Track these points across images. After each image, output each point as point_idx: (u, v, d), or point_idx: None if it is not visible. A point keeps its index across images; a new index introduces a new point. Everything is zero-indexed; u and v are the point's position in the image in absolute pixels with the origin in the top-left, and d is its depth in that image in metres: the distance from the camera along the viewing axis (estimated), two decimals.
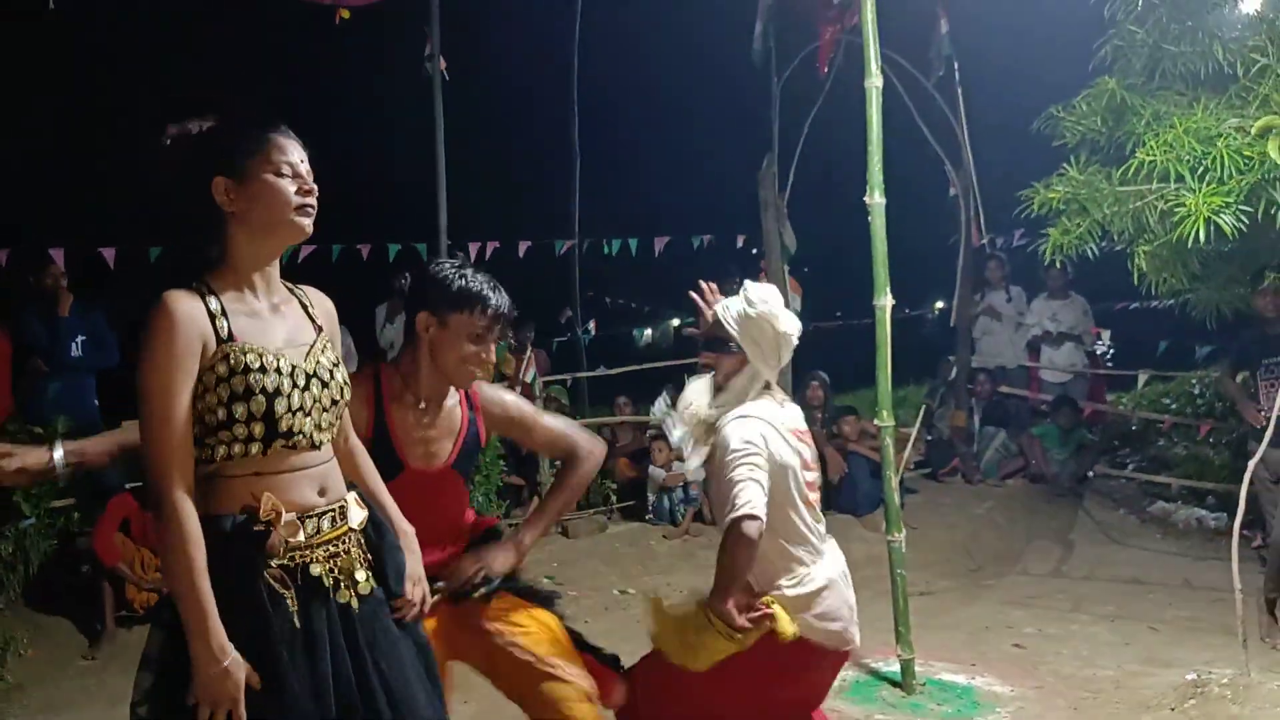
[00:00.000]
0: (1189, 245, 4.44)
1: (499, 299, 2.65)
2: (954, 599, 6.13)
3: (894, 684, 4.56)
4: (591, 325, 10.93)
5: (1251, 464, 4.33)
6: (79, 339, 6.58)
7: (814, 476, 2.94)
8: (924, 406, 9.01)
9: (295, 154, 2.01)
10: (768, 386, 2.95)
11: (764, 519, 2.64)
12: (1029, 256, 8.27)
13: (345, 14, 5.75)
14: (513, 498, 7.69)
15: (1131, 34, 5.09)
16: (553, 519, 2.81)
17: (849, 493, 7.43)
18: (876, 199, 4.38)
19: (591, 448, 2.81)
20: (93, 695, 5.08)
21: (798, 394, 8.03)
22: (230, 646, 1.84)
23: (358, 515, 2.11)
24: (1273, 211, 4.31)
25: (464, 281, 2.61)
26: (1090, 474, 8.27)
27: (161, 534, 1.85)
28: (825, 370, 8.28)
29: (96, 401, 6.75)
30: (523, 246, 8.27)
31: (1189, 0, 5.00)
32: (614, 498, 7.81)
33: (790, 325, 2.93)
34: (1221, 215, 4.25)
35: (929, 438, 8.70)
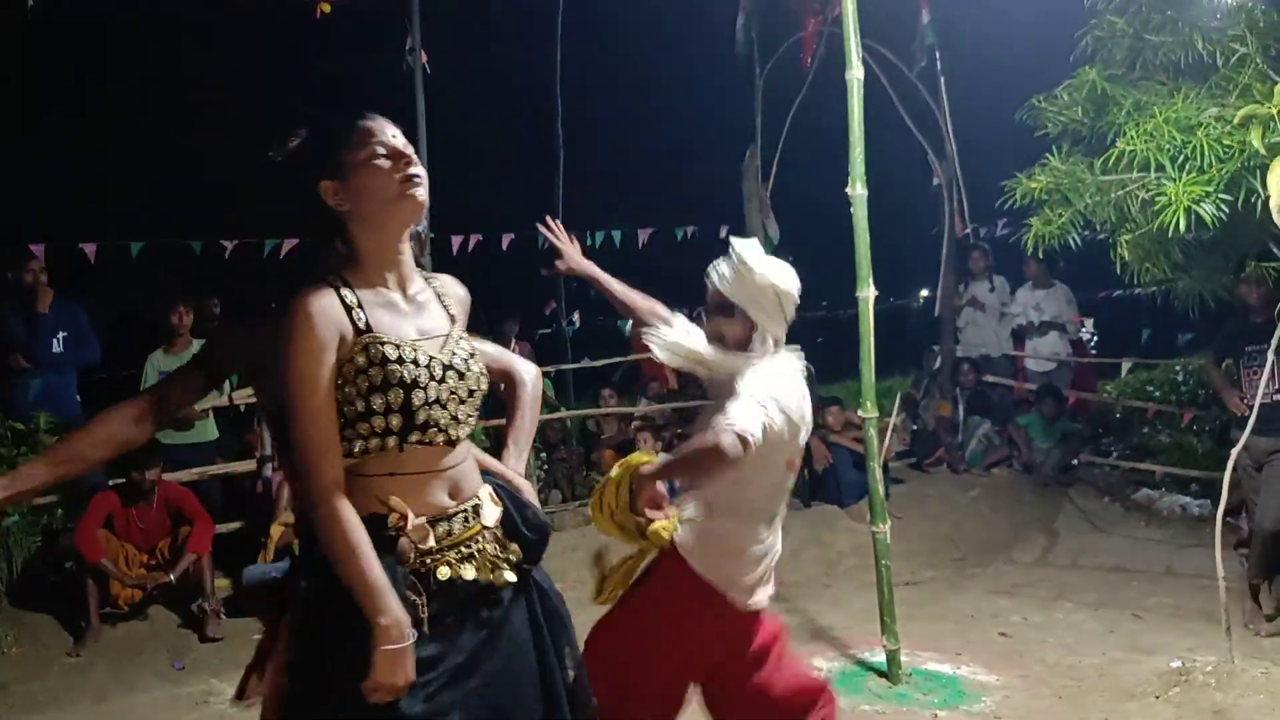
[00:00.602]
0: (1170, 234, 4.46)
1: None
2: (939, 589, 6.16)
3: (880, 674, 4.57)
4: (576, 316, 10.91)
5: (1235, 451, 4.37)
6: (60, 335, 6.53)
7: (800, 454, 2.92)
8: (900, 395, 9.05)
9: (387, 132, 1.98)
10: (779, 345, 2.91)
11: (753, 448, 2.49)
12: (1012, 246, 8.33)
13: (325, 8, 5.72)
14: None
15: (1112, 24, 5.10)
16: (529, 443, 2.68)
17: (833, 484, 7.43)
18: (858, 190, 4.38)
19: (526, 366, 2.64)
20: (78, 692, 5.07)
21: None
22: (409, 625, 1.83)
23: (492, 514, 2.07)
24: (1253, 200, 4.32)
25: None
26: (1075, 462, 8.30)
27: (324, 529, 1.83)
28: (810, 360, 8.26)
29: (79, 398, 6.71)
30: (506, 239, 8.25)
31: None
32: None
33: (788, 280, 2.87)
34: (1202, 204, 4.26)
35: (914, 428, 8.72)
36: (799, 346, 2.97)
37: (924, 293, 19.75)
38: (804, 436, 2.85)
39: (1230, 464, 4.44)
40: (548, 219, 3.24)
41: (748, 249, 2.87)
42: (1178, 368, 9.05)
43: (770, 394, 2.65)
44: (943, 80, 8.78)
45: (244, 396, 6.68)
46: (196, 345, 6.65)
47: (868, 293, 4.33)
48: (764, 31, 8.65)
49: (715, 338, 2.92)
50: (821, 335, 11.98)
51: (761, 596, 2.88)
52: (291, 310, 1.85)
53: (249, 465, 6.73)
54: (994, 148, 7.51)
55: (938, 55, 8.71)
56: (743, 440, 2.46)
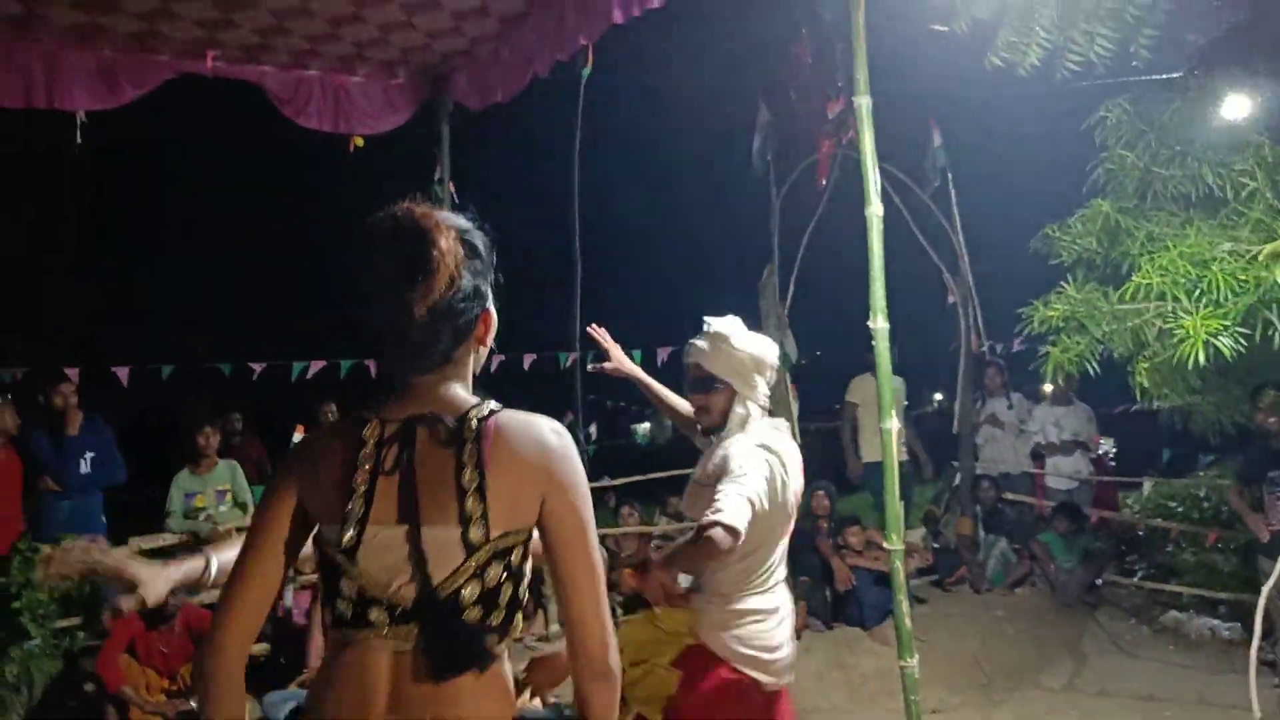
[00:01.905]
0: (1189, 365, 4.52)
1: None
2: (967, 716, 6.04)
3: None
4: (593, 429, 10.97)
5: (1266, 589, 4.34)
6: (88, 456, 6.63)
7: (794, 515, 3.03)
8: (927, 512, 9.02)
9: None
10: (766, 412, 3.02)
11: (741, 538, 2.62)
12: (1029, 362, 8.40)
13: (359, 142, 5.94)
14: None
15: (1122, 158, 5.26)
16: None
17: (855, 605, 7.36)
18: (880, 324, 4.45)
19: None
20: None
21: (803, 504, 8.05)
22: None
23: None
24: (1270, 333, 4.39)
25: None
26: (1099, 582, 8.21)
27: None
28: (826, 469, 8.30)
29: (104, 519, 6.76)
30: (528, 359, 8.37)
31: (1177, 126, 5.19)
32: (620, 610, 7.74)
33: (763, 350, 3.01)
34: (1220, 338, 4.33)
35: (935, 545, 8.66)
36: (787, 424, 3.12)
37: (938, 397, 19.86)
38: (794, 495, 2.99)
39: (1263, 599, 4.40)
40: (594, 325, 3.40)
41: (722, 323, 3.01)
42: (1200, 483, 9.01)
43: (753, 473, 2.78)
44: (955, 200, 8.98)
45: None
46: (222, 466, 6.73)
47: (892, 424, 4.36)
48: (780, 152, 8.88)
49: (701, 411, 3.07)
50: (838, 448, 11.95)
51: (788, 667, 2.98)
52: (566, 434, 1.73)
53: None
54: (1008, 265, 7.65)
55: (950, 176, 8.92)
56: (731, 532, 2.61)
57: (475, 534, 1.57)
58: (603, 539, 8.15)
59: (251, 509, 6.69)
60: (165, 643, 5.85)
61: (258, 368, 7.47)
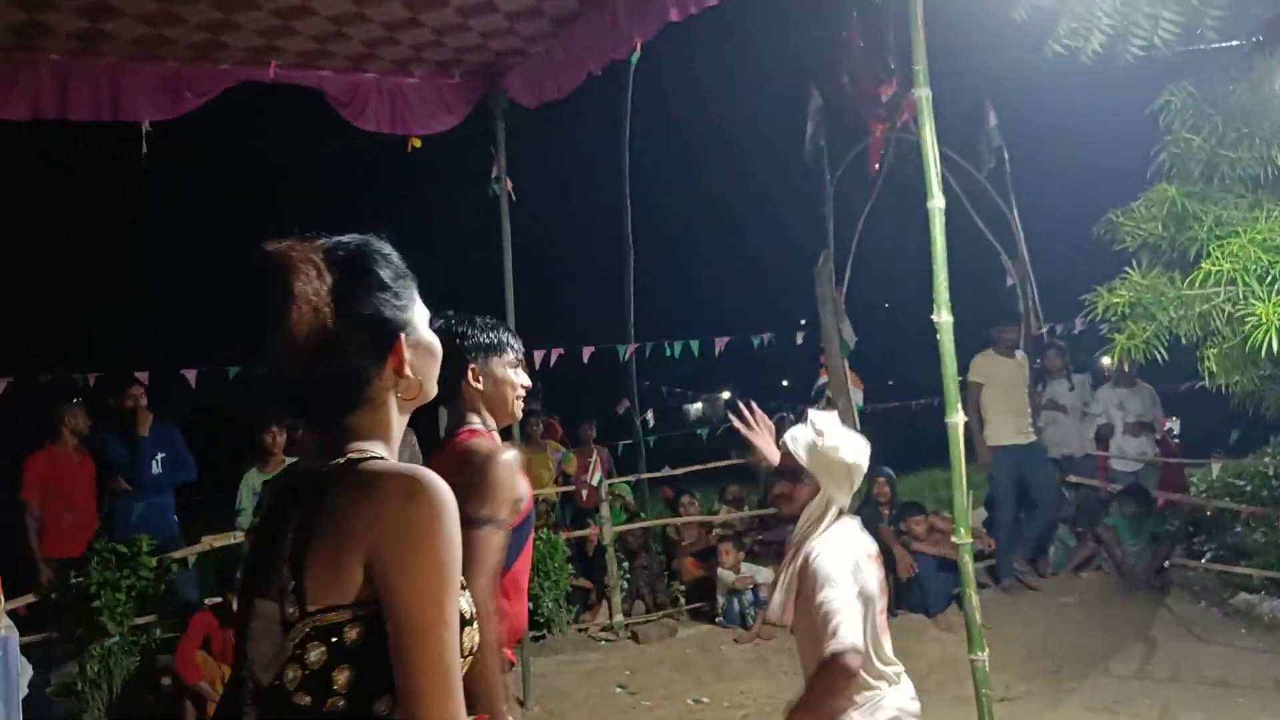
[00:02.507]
0: (1260, 351, 4.43)
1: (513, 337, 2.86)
2: (1037, 705, 6.01)
3: None
4: (650, 414, 11.03)
5: None
6: (159, 457, 6.81)
7: (884, 603, 3.02)
8: (988, 495, 8.93)
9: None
10: (842, 513, 3.02)
11: (862, 651, 2.69)
12: (1090, 343, 8.27)
13: (417, 143, 6.01)
14: (581, 601, 7.72)
15: (1187, 141, 5.14)
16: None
17: (918, 592, 7.35)
18: (944, 317, 4.42)
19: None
20: None
21: (864, 491, 8.03)
22: None
23: None
24: None
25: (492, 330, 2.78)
26: (1167, 565, 8.10)
27: None
28: (885, 452, 8.24)
29: (176, 518, 6.95)
30: (586, 352, 8.43)
31: (1243, 106, 5.06)
32: (682, 599, 7.81)
33: (857, 454, 3.00)
34: None
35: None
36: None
37: None
38: (877, 589, 2.95)
39: None
40: (740, 406, 3.37)
41: (824, 420, 3.03)
42: (1268, 463, 8.84)
43: (843, 581, 2.79)
44: (1010, 180, 8.86)
45: None
46: (289, 463, 6.87)
47: (958, 418, 4.34)
48: (833, 138, 8.82)
49: (781, 498, 3.08)
50: (896, 427, 11.89)
51: None
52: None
53: None
54: (1068, 245, 7.53)
55: (1006, 157, 8.80)
56: (856, 651, 2.66)
57: (289, 610, 1.35)
58: (664, 528, 8.23)
59: None
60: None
61: None
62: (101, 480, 6.76)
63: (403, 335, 1.50)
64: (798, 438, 3.02)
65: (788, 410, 9.40)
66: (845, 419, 8.24)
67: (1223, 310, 4.77)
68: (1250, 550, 8.09)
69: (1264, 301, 4.34)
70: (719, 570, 7.53)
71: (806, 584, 2.87)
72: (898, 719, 2.87)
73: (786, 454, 3.04)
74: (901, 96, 8.14)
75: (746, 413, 3.43)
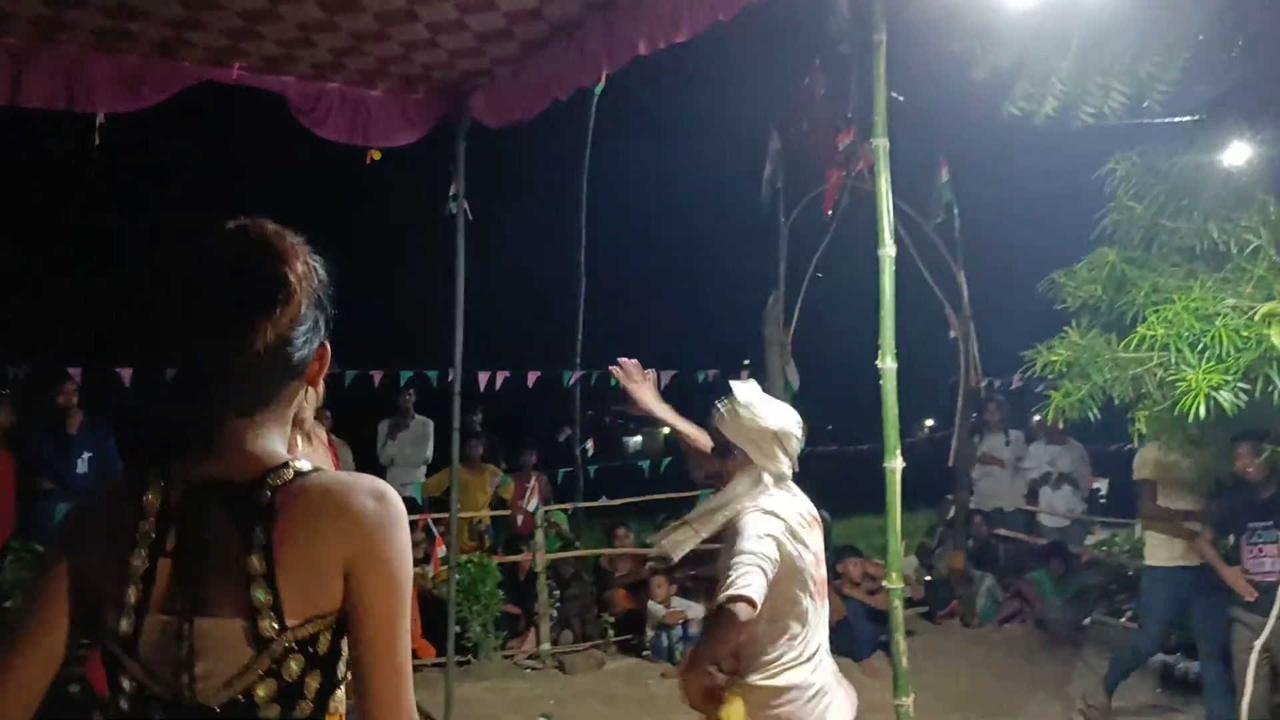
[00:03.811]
0: (1189, 417, 4.57)
1: None
2: None
3: None
4: (590, 444, 11.01)
5: (1258, 644, 4.37)
6: (86, 456, 6.64)
7: (822, 572, 3.04)
8: (920, 544, 9.05)
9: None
10: (781, 482, 3.02)
11: (758, 606, 2.65)
12: (1027, 398, 8.45)
13: (376, 155, 5.98)
14: (509, 627, 7.65)
15: (1130, 208, 5.32)
16: None
17: (846, 636, 7.39)
18: (888, 363, 4.47)
19: None
20: None
21: None
22: None
23: None
24: (1270, 390, 4.45)
25: None
26: (1088, 621, 8.25)
27: None
28: (822, 495, 8.30)
29: None
30: (532, 376, 8.42)
31: (1184, 179, 5.25)
32: (611, 631, 7.77)
33: (782, 421, 3.01)
34: (1220, 392, 4.38)
35: (928, 578, 8.70)
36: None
37: (929, 422, 19.97)
38: (812, 558, 2.97)
39: (1253, 664, 4.44)
40: (620, 361, 3.36)
41: (745, 390, 3.04)
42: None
43: (765, 540, 2.78)
44: (958, 235, 9.05)
45: None
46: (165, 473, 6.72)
47: (896, 464, 4.39)
48: (789, 181, 8.96)
49: (715, 476, 3.10)
50: (834, 472, 12.01)
51: None
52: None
53: None
54: (1008, 304, 7.72)
55: (956, 212, 9.00)
56: (748, 602, 2.62)
57: (266, 627, 1.32)
58: (598, 559, 8.21)
59: None
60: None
61: None
62: (23, 478, 6.56)
63: (326, 342, 1.50)
64: (721, 413, 3.03)
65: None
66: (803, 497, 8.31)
67: (1155, 374, 4.92)
68: None
69: (1195, 368, 4.49)
70: (650, 604, 7.51)
71: (734, 535, 2.85)
72: (794, 689, 2.86)
73: (715, 430, 3.04)
74: (858, 145, 8.30)
75: (626, 364, 3.43)
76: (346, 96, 5.80)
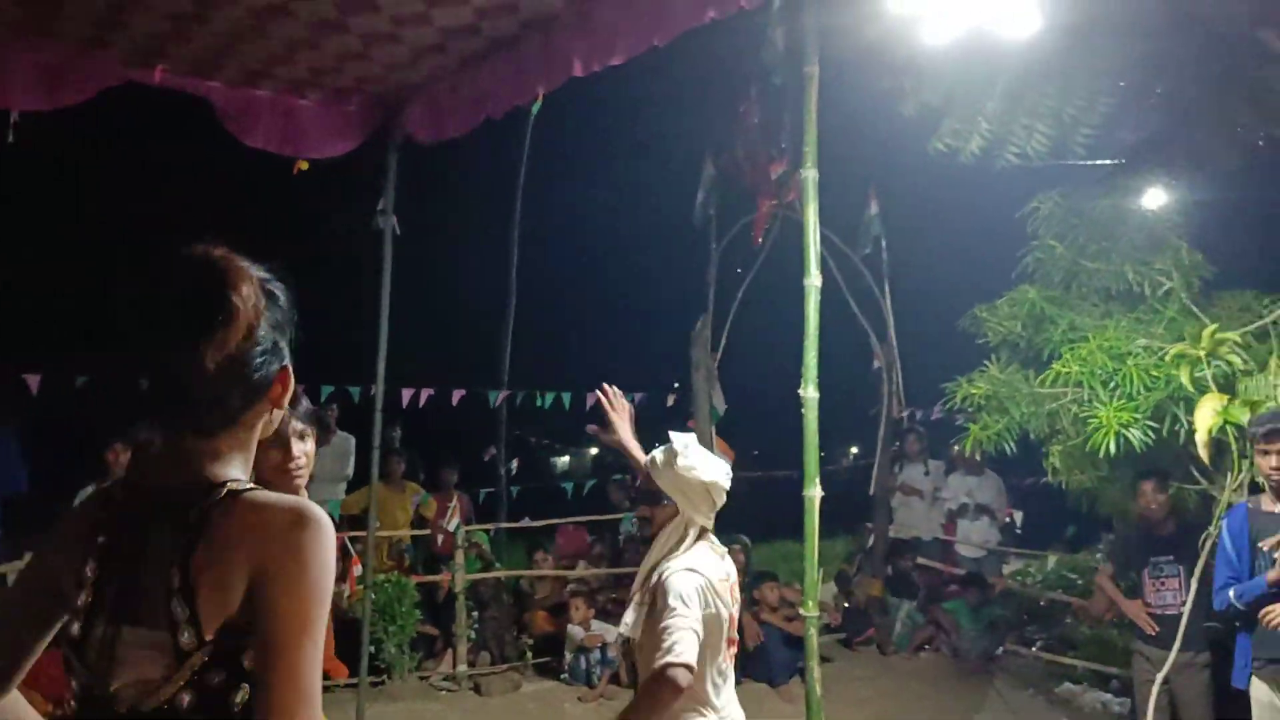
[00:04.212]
0: (1100, 452, 4.69)
1: None
2: None
3: None
4: (514, 463, 10.91)
5: (1159, 677, 4.47)
6: None
7: (735, 633, 3.08)
8: (839, 571, 9.13)
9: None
10: (703, 534, 3.05)
11: (694, 669, 2.72)
12: (947, 429, 8.57)
13: (304, 166, 5.88)
14: (426, 648, 7.52)
15: (1051, 248, 5.47)
16: None
17: (764, 661, 7.41)
18: (811, 393, 4.50)
19: None
20: None
21: None
22: None
23: None
24: (1177, 429, 4.59)
25: None
26: (1000, 650, 8.39)
27: None
28: (743, 520, 8.34)
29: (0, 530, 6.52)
30: (456, 395, 8.32)
31: (1104, 221, 5.41)
32: (529, 653, 7.69)
33: (714, 474, 3.06)
34: (1130, 429, 4.51)
35: (846, 605, 8.78)
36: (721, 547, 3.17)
37: (854, 450, 20.23)
38: (728, 615, 3.02)
39: (1154, 697, 4.54)
40: (604, 387, 3.36)
41: (682, 440, 3.06)
42: (1098, 555, 9.25)
43: (691, 601, 2.83)
44: (886, 268, 9.20)
45: None
46: (112, 482, 6.51)
47: (815, 492, 4.42)
48: (722, 207, 9.03)
49: (643, 520, 3.15)
50: (757, 496, 12.10)
51: None
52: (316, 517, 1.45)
53: None
54: (933, 334, 7.85)
55: (884, 244, 9.14)
56: (687, 667, 2.69)
57: (186, 640, 1.36)
58: (518, 580, 8.13)
59: None
60: (53, 665, 5.62)
61: None
62: None
63: (289, 365, 1.53)
64: (656, 460, 3.07)
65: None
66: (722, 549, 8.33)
67: (1069, 410, 5.06)
68: (1077, 641, 8.44)
69: (1106, 405, 4.62)
70: (569, 626, 7.45)
71: (658, 601, 2.88)
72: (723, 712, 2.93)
73: (647, 476, 3.07)
74: (790, 175, 8.39)
75: (609, 391, 3.44)
76: (276, 105, 5.68)
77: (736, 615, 3.09)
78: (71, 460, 6.82)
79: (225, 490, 1.42)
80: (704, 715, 2.92)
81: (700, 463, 3.03)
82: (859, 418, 9.76)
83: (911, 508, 9.13)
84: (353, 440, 8.46)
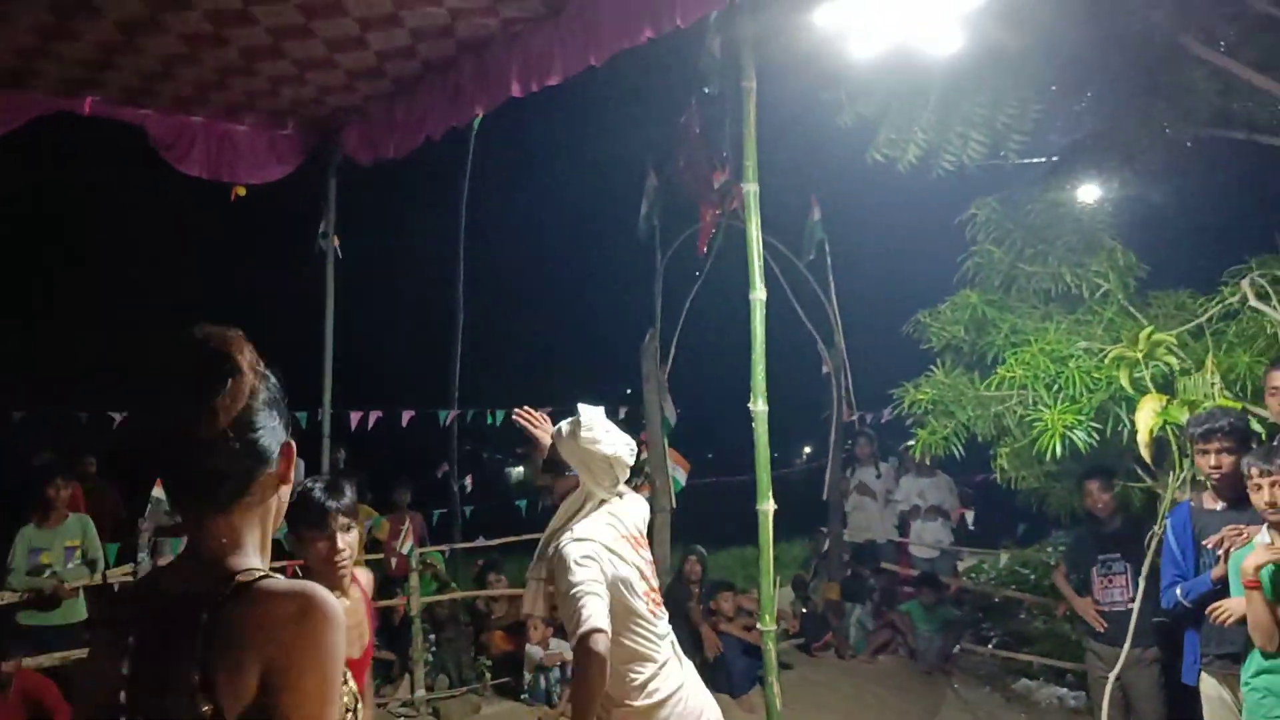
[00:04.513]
0: (1046, 454, 4.76)
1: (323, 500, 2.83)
2: None
3: None
4: (468, 480, 10.83)
5: (1112, 675, 4.53)
6: None
7: (654, 582, 3.11)
8: (795, 576, 9.18)
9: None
10: (602, 504, 3.09)
11: (608, 630, 2.74)
12: (898, 431, 8.65)
13: (241, 191, 5.81)
14: (383, 674, 7.43)
15: (990, 252, 5.54)
16: None
17: (723, 672, 7.42)
18: (760, 406, 4.55)
19: None
20: None
21: (675, 568, 8.10)
22: None
23: None
24: (1120, 429, 4.67)
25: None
26: (956, 649, 8.47)
27: None
28: (698, 528, 8.36)
29: None
30: (406, 416, 8.25)
31: (1041, 226, 5.50)
32: (488, 674, 7.62)
33: (616, 447, 3.08)
34: (1074, 431, 4.58)
35: (804, 611, 8.82)
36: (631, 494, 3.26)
37: (806, 449, 20.38)
38: (636, 568, 3.05)
39: (1107, 693, 4.61)
40: (525, 409, 3.39)
41: (589, 413, 3.10)
42: (1050, 549, 9.39)
43: (585, 566, 2.86)
44: (831, 273, 9.27)
45: (119, 574, 6.40)
46: (73, 520, 6.38)
47: (768, 506, 4.45)
48: (666, 219, 9.03)
49: (545, 490, 3.23)
50: (713, 502, 12.13)
51: None
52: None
53: None
54: (880, 339, 7.92)
55: (828, 250, 9.21)
56: (600, 631, 2.72)
57: None
58: (473, 600, 8.05)
59: (101, 567, 6.36)
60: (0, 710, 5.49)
61: (117, 416, 7.12)
62: None
63: (291, 442, 1.61)
64: (561, 430, 3.11)
65: None
66: (662, 497, 8.34)
67: (1014, 412, 5.12)
68: (1032, 637, 8.55)
69: (1050, 408, 4.69)
70: (528, 646, 7.40)
71: (557, 573, 2.91)
72: (674, 695, 2.96)
73: (552, 447, 3.11)
74: (732, 184, 8.42)
75: (528, 412, 3.48)
76: (211, 131, 5.63)
77: (649, 561, 3.13)
78: (12, 496, 6.64)
79: (235, 585, 1.48)
80: (644, 668, 2.95)
81: (604, 436, 3.06)
82: (811, 421, 9.83)
83: (865, 510, 9.20)
84: (302, 465, 8.35)
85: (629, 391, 9.65)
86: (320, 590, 1.48)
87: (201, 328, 1.56)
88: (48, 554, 6.16)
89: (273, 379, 1.60)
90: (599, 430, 3.05)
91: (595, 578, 2.83)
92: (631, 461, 3.15)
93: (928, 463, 8.58)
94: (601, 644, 2.68)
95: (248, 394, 1.50)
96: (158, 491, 6.75)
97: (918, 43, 3.13)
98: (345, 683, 1.57)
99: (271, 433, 1.54)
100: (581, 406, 3.14)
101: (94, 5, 4.19)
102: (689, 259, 8.93)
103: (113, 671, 1.51)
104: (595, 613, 2.73)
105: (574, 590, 2.78)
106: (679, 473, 8.37)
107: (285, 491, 1.62)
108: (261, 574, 1.51)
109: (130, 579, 6.29)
